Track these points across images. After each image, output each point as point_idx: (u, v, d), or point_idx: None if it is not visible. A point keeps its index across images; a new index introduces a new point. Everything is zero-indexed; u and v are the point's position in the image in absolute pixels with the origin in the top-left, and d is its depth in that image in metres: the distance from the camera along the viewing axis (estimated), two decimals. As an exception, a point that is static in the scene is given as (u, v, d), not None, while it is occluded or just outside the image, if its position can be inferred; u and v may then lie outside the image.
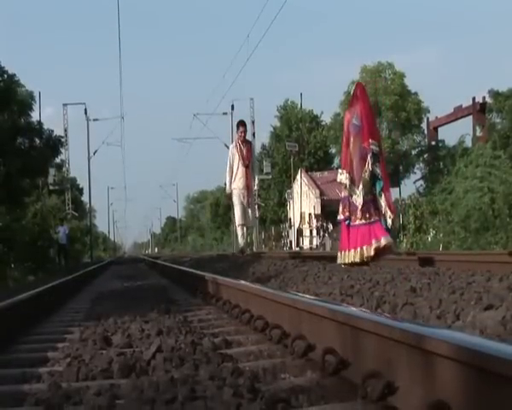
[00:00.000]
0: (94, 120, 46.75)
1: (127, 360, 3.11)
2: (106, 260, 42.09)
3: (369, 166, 8.80)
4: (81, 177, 71.44)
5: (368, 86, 36.52)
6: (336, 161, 39.20)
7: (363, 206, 8.65)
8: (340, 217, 8.90)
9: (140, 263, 29.65)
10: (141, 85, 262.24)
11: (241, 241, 14.66)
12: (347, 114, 9.40)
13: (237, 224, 14.24)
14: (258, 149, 53.39)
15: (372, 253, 8.46)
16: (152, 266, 22.14)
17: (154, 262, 22.84)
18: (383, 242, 8.46)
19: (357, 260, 8.46)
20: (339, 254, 8.88)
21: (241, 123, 14.37)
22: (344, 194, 8.96)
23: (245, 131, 14.09)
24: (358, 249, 8.54)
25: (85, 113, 45.87)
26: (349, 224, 8.75)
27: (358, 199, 8.71)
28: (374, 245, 8.46)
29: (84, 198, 56.64)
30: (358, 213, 8.66)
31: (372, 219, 8.61)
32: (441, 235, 22.94)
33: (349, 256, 8.61)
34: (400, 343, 2.17)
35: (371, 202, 8.70)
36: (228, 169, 13.94)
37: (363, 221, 8.62)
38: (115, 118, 47.27)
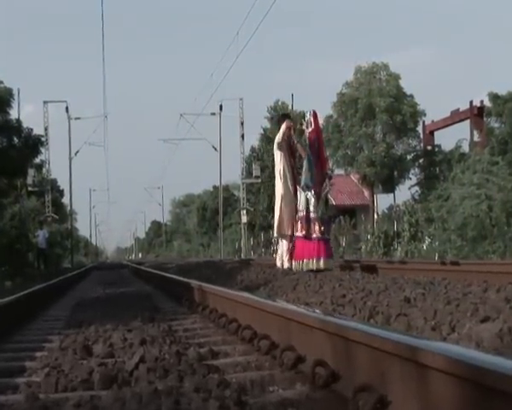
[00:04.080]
0: (76, 118, 46.55)
1: (109, 371, 3.10)
2: (87, 265, 41.92)
3: (327, 188, 10.77)
4: (62, 178, 71.29)
5: (362, 87, 36.73)
6: (329, 165, 39.40)
7: (318, 222, 10.38)
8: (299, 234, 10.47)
9: (123, 269, 29.56)
10: (125, 83, 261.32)
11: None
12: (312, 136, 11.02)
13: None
14: (247, 151, 53.34)
15: (315, 267, 10.08)
16: (136, 272, 22.07)
17: (137, 268, 22.77)
18: (323, 265, 10.13)
19: (313, 268, 10.06)
20: (296, 262, 10.40)
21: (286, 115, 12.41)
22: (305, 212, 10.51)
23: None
24: (312, 260, 10.20)
25: (67, 111, 45.67)
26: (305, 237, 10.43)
27: (315, 215, 10.44)
28: (319, 262, 10.19)
29: (65, 200, 56.44)
30: (314, 228, 10.39)
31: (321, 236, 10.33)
32: (437, 243, 23.00)
33: (307, 264, 10.19)
34: (393, 356, 2.18)
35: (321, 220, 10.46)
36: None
37: (316, 235, 10.33)
38: (98, 117, 47.18)
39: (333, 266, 10.49)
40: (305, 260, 10.25)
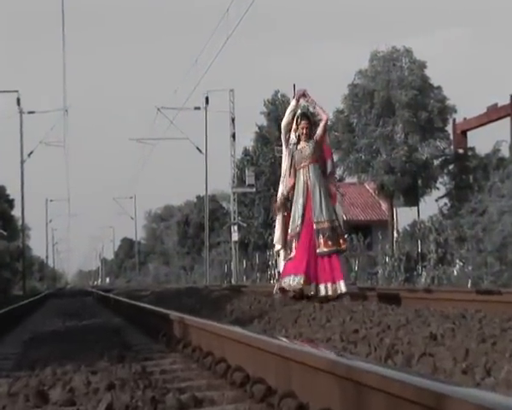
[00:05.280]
0: (29, 112, 46.59)
1: (69, 422, 3.10)
2: (43, 292, 41.85)
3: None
4: (12, 185, 71.16)
5: (379, 77, 36.73)
6: (339, 172, 39.30)
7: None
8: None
9: (87, 297, 29.51)
10: (90, 73, 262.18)
11: None
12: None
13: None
14: (239, 154, 53.41)
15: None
16: (102, 300, 22.04)
17: (104, 296, 22.75)
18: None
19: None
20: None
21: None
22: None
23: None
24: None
25: (18, 103, 45.71)
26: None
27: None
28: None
29: (16, 213, 56.41)
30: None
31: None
32: (470, 268, 23.03)
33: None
34: (415, 404, 2.19)
35: None
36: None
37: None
38: (57, 111, 47.03)
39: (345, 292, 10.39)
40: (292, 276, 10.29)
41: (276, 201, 11.27)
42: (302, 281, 10.01)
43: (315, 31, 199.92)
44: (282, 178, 11.19)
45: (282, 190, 11.13)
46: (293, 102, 11.08)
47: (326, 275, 10.20)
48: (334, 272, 10.28)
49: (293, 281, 10.09)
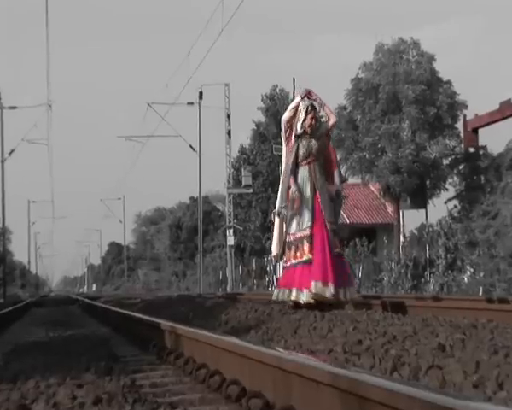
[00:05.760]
0: (10, 107, 46.60)
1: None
2: (25, 300, 41.80)
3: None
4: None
5: (385, 71, 36.75)
6: (341, 171, 39.27)
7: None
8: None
9: (72, 305, 29.52)
10: (76, 65, 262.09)
11: None
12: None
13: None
14: (234, 152, 53.41)
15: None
16: (88, 309, 22.03)
17: (91, 304, 22.75)
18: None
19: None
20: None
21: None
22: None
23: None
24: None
25: (-2, 98, 45.70)
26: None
27: None
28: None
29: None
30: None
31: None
32: (482, 274, 23.05)
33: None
34: (423, 420, 2.19)
35: None
36: None
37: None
38: (40, 106, 47.02)
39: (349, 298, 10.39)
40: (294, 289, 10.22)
41: (275, 209, 11.16)
42: (333, 290, 10.00)
43: (317, 21, 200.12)
44: (282, 178, 11.11)
45: (279, 203, 11.02)
46: (297, 99, 11.01)
47: (343, 278, 10.23)
48: (347, 275, 10.38)
49: (322, 290, 10.00)
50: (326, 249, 10.22)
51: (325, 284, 9.94)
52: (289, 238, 10.54)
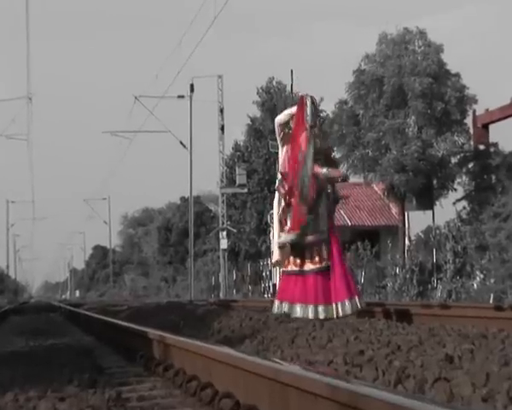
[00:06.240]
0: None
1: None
2: (3, 307, 41.78)
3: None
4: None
5: (389, 63, 36.75)
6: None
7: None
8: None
9: (54, 313, 29.47)
10: (58, 56, 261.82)
11: None
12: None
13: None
14: (228, 149, 53.39)
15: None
16: (71, 317, 22.02)
17: (74, 312, 22.73)
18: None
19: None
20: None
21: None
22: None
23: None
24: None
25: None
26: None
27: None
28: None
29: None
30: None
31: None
32: (492, 280, 23.07)
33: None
34: (429, 436, 2.20)
35: None
36: None
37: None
38: (19, 99, 46.91)
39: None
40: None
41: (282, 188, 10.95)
42: (359, 305, 10.16)
43: (316, 9, 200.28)
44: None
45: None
46: (293, 109, 11.13)
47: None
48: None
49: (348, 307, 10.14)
50: (340, 258, 10.38)
51: (349, 299, 10.17)
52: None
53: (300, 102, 10.95)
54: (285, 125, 10.91)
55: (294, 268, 10.44)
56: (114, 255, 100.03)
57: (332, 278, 10.25)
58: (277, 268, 11.30)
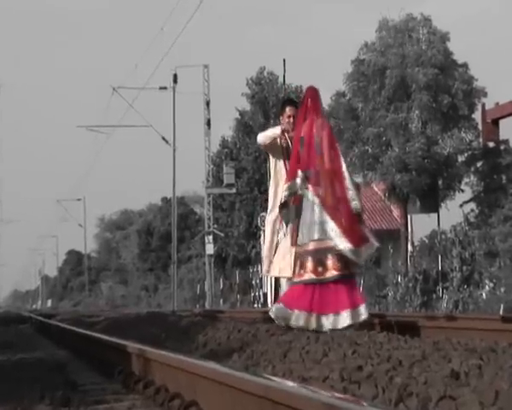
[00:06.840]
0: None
1: None
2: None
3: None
4: None
5: (391, 52, 36.75)
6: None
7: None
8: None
9: (23, 324, 29.43)
10: (27, 42, 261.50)
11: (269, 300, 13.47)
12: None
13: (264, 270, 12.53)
14: (215, 146, 53.38)
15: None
16: (42, 329, 22.01)
17: (45, 323, 22.71)
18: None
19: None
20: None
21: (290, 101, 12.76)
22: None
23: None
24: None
25: None
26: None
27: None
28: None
29: None
30: None
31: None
32: (503, 290, 23.13)
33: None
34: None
35: None
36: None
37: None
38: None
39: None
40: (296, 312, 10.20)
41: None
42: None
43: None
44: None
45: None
46: (277, 130, 11.25)
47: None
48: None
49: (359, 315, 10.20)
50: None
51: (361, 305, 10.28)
52: (300, 249, 10.44)
53: (311, 93, 11.39)
54: (271, 145, 11.07)
55: (313, 277, 10.21)
56: (90, 261, 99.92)
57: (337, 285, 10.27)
58: (267, 276, 11.25)
